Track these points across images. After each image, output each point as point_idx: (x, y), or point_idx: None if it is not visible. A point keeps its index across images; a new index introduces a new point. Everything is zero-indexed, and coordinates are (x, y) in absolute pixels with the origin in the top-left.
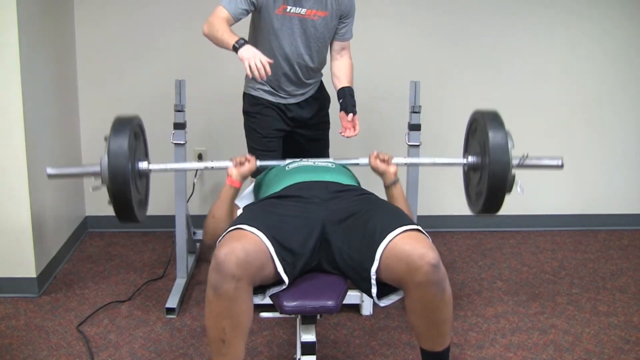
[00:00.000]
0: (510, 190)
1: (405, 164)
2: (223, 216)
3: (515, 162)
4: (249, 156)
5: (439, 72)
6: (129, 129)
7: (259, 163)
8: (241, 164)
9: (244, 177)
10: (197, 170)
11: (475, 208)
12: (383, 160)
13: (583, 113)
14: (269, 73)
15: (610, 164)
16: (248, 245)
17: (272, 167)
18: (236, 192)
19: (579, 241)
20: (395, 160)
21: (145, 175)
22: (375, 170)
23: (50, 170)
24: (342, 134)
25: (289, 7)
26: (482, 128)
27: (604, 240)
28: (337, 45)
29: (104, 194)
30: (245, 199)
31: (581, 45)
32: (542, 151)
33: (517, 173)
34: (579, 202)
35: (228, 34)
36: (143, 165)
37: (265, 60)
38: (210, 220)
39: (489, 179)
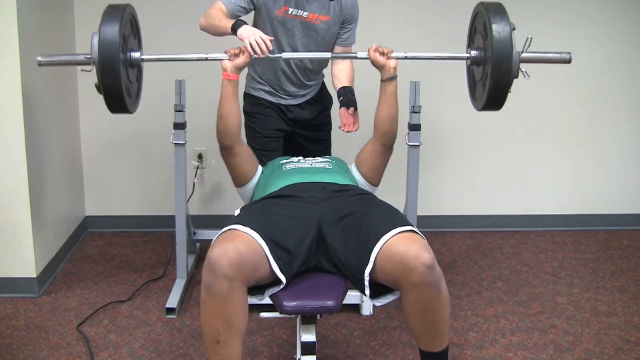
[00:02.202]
0: (516, 77)
1: (406, 57)
2: (229, 113)
3: (519, 55)
4: (243, 47)
5: (439, 72)
6: (120, 17)
7: (254, 56)
8: (235, 55)
9: (239, 70)
10: (194, 60)
11: (479, 103)
12: (382, 54)
13: (582, 113)
14: (270, 48)
15: (611, 163)
16: (241, 246)
17: (270, 165)
18: (235, 85)
19: (579, 241)
20: (395, 54)
21: (137, 64)
22: (374, 63)
23: (40, 58)
24: (342, 129)
25: (290, 9)
26: (485, 21)
27: (604, 240)
28: (338, 50)
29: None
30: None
31: (580, 46)
32: (542, 151)
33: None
34: (579, 202)
35: (226, 20)
36: (135, 55)
37: (266, 37)
38: (219, 122)
39: (492, 72)
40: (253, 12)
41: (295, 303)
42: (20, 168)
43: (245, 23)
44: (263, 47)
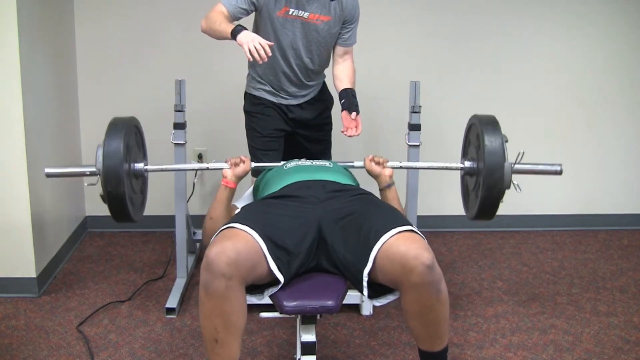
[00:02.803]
0: (508, 187)
1: (401, 167)
2: (220, 217)
3: (511, 166)
4: (243, 157)
5: (439, 72)
6: (125, 130)
7: (253, 165)
8: (236, 165)
9: (238, 178)
10: (195, 170)
11: (471, 213)
12: (378, 163)
13: (582, 113)
14: (269, 54)
15: (610, 164)
16: (239, 244)
17: (270, 168)
18: (231, 192)
19: (579, 241)
20: (390, 163)
21: (141, 175)
22: (370, 172)
23: (48, 170)
24: (344, 133)
25: (291, 10)
26: (478, 133)
27: (604, 240)
28: (340, 50)
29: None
30: (244, 200)
31: (580, 46)
32: (542, 151)
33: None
34: (579, 202)
35: (226, 24)
36: (139, 165)
37: (265, 42)
38: (208, 223)
39: (484, 186)
40: (254, 13)
41: (295, 303)
42: (20, 168)
43: (245, 28)
44: (262, 53)
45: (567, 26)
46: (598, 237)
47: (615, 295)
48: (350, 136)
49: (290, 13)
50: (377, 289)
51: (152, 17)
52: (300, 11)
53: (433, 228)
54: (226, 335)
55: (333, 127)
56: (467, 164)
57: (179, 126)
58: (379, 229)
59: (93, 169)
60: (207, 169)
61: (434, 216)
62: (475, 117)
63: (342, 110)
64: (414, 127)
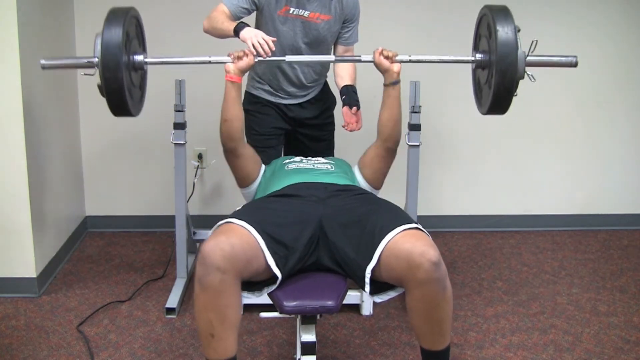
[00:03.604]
0: (522, 77)
1: (410, 60)
2: (233, 116)
3: (524, 54)
4: (247, 50)
5: (439, 72)
6: (124, 20)
7: (257, 59)
8: (239, 58)
9: (242, 72)
10: (198, 63)
11: (484, 107)
12: (387, 57)
13: (582, 113)
14: (273, 49)
15: (610, 164)
16: (234, 239)
17: (272, 164)
18: (238, 88)
19: (579, 241)
20: (399, 57)
21: (140, 67)
22: (378, 67)
23: (43, 62)
24: (345, 128)
25: (291, 9)
26: (489, 22)
27: (604, 240)
28: (340, 48)
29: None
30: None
31: (581, 46)
32: (542, 151)
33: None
34: (579, 202)
35: (228, 22)
36: (139, 57)
37: (269, 37)
38: (223, 125)
39: (497, 72)
40: (255, 13)
41: (295, 303)
42: (20, 168)
43: (248, 25)
44: (266, 47)
45: (568, 27)
46: (598, 237)
47: (615, 295)
48: (351, 130)
49: (290, 12)
50: (377, 285)
51: (152, 17)
52: (301, 10)
53: (433, 228)
54: (221, 330)
55: (336, 127)
56: (479, 56)
57: (179, 126)
58: (384, 227)
59: (91, 60)
60: (210, 62)
61: (434, 216)
62: (486, 7)
63: (343, 106)
64: (414, 127)
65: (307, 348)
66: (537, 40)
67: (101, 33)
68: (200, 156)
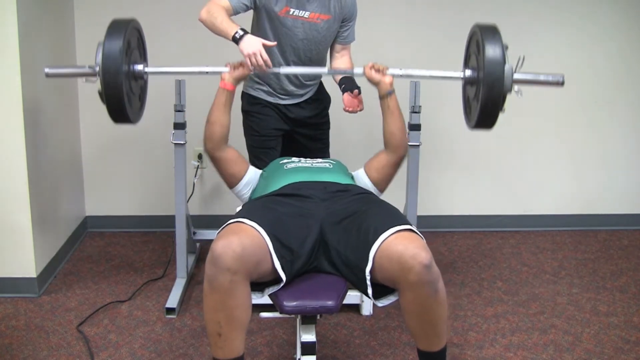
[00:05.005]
0: (509, 91)
1: (401, 75)
2: (217, 120)
3: (511, 69)
4: (244, 62)
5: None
6: (126, 30)
7: (253, 71)
8: (235, 68)
9: (237, 81)
10: (195, 74)
11: (471, 122)
12: (378, 71)
13: (583, 113)
14: (270, 67)
15: (610, 164)
16: (246, 240)
17: (271, 165)
18: (229, 96)
19: (579, 241)
20: (390, 71)
21: (140, 77)
22: (370, 80)
23: (48, 70)
24: (348, 109)
25: (291, 10)
26: (478, 40)
27: (604, 240)
28: (338, 47)
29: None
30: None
31: (582, 46)
32: (542, 151)
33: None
34: (579, 202)
35: (227, 23)
36: (139, 67)
37: (266, 56)
38: (207, 126)
39: (484, 87)
40: (252, 11)
41: (295, 303)
42: (20, 168)
43: (247, 32)
44: (263, 66)
45: (568, 27)
46: (598, 237)
47: (615, 295)
48: (352, 111)
49: (291, 13)
50: (379, 290)
51: (152, 17)
52: (301, 11)
53: (433, 228)
54: (229, 330)
55: (331, 126)
56: (468, 72)
57: (179, 126)
58: (378, 228)
59: (92, 68)
60: (207, 73)
61: (434, 216)
62: (476, 26)
63: (343, 93)
64: (414, 127)
65: (307, 348)
66: (524, 56)
67: (102, 43)
68: (200, 156)
